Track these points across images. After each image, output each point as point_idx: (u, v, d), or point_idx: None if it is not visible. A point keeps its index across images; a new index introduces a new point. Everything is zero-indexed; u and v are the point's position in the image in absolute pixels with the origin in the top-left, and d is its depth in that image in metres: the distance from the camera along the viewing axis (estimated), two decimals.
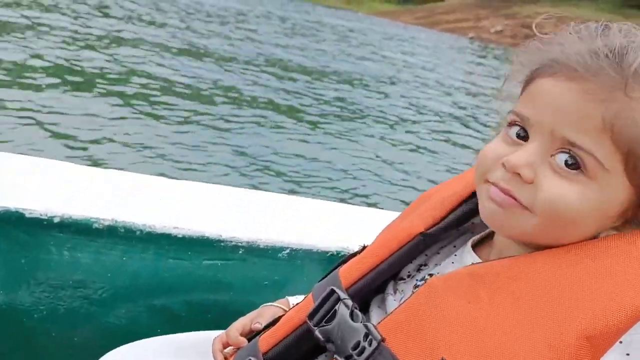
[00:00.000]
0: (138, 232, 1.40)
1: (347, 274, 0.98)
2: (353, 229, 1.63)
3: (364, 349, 0.84)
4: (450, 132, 9.93)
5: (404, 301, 0.87)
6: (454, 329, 0.79)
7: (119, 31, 12.40)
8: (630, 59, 0.77)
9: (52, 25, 11.18)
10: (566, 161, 0.78)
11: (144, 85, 8.37)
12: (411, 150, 8.24)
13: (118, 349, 1.31)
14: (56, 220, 1.35)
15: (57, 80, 7.64)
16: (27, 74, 7.57)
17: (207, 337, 1.34)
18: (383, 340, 0.84)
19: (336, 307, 0.91)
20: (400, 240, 0.98)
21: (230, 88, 9.50)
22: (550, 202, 0.78)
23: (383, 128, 9.20)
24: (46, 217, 1.35)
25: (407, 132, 9.32)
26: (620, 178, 0.79)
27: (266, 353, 1.00)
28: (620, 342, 0.75)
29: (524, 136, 0.83)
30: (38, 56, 8.68)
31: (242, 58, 12.53)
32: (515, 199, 0.81)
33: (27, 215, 1.34)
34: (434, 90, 14.33)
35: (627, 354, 0.75)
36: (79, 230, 1.37)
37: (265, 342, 1.02)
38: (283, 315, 1.08)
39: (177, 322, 1.46)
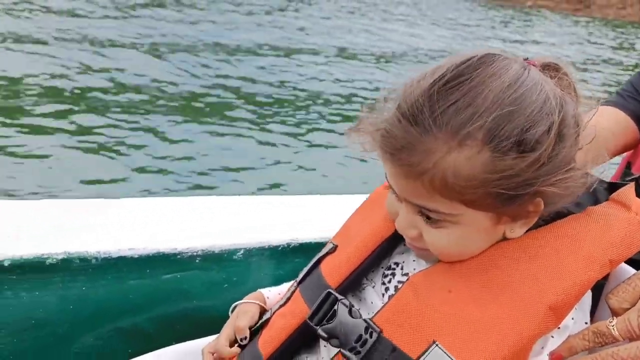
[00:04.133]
0: (94, 261, 1.35)
1: (333, 275, 1.05)
2: (298, 219, 1.64)
3: (366, 340, 0.91)
4: None
5: (393, 296, 0.95)
6: (440, 315, 0.89)
7: None
8: (423, 117, 0.81)
9: None
10: (427, 217, 0.88)
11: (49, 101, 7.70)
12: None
13: None
14: (6, 263, 1.28)
15: None
16: None
17: (182, 349, 1.33)
18: (381, 331, 0.91)
19: (335, 307, 0.96)
20: (376, 241, 1.05)
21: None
22: (433, 247, 0.90)
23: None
24: None
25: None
26: (474, 213, 0.86)
27: (269, 356, 1.06)
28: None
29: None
30: None
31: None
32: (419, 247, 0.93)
33: None
34: None
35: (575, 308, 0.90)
36: (33, 269, 1.31)
37: (265, 347, 1.08)
38: (266, 314, 1.17)
39: (147, 340, 1.42)
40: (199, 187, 5.31)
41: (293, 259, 1.53)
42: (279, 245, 1.52)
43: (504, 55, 0.87)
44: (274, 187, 5.51)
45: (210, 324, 1.35)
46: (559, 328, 0.88)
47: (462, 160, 0.80)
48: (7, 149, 5.60)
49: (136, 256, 1.39)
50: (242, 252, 1.48)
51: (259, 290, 1.25)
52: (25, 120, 6.61)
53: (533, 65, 0.88)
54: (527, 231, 0.92)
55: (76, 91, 8.05)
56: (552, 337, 0.89)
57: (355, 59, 12.48)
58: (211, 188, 5.29)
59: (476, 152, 0.80)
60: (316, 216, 1.64)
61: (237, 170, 5.82)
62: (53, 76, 8.36)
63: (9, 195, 4.42)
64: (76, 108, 7.31)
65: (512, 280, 0.87)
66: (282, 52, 12.02)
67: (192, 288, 1.46)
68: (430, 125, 0.80)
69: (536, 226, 0.92)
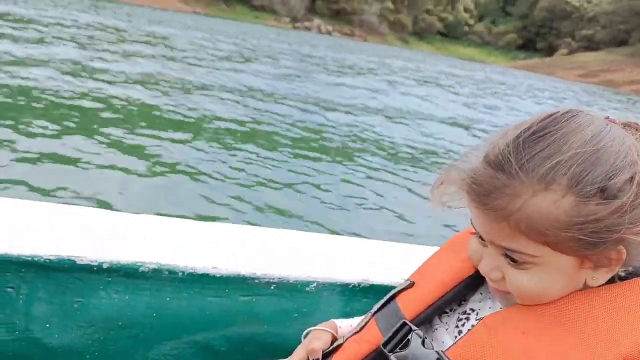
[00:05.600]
0: (180, 274, 1.45)
1: (409, 308, 1.10)
2: (370, 261, 1.70)
3: None
4: None
5: (466, 333, 0.98)
6: (512, 354, 0.91)
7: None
8: (510, 164, 0.86)
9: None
10: (512, 259, 0.91)
11: (159, 126, 8.58)
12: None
13: None
14: (105, 266, 1.39)
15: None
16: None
17: None
18: None
19: (409, 336, 1.02)
20: (454, 281, 1.10)
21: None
22: (515, 289, 0.93)
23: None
24: (96, 264, 1.39)
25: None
26: (557, 256, 0.89)
27: None
28: None
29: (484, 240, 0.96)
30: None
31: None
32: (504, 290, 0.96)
33: (79, 262, 1.38)
34: None
35: None
36: (127, 275, 1.41)
37: None
38: (338, 340, 1.21)
39: (218, 356, 1.51)
40: (283, 217, 5.88)
41: (362, 299, 1.59)
42: (350, 284, 1.59)
43: (586, 111, 0.91)
44: (351, 228, 6.04)
45: (278, 349, 1.42)
46: None
47: (548, 203, 0.84)
48: (123, 167, 6.34)
49: (218, 275, 1.48)
50: (314, 284, 1.56)
51: (331, 319, 1.31)
52: (138, 143, 7.52)
53: (614, 122, 0.92)
54: (607, 283, 0.93)
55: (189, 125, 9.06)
56: None
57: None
58: (292, 220, 5.89)
59: (561, 196, 0.84)
60: (388, 261, 1.70)
61: (319, 209, 6.48)
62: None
63: (111, 208, 4.82)
64: (183, 136, 8.07)
65: (587, 328, 0.89)
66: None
67: (265, 313, 1.53)
68: (517, 171, 0.85)
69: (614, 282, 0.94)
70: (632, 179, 0.85)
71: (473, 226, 0.96)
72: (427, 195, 1.00)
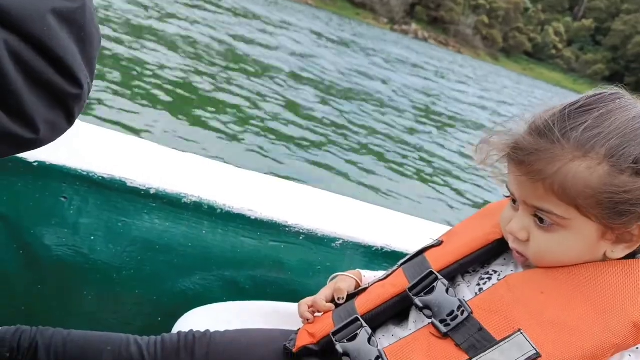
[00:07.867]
0: (219, 210, 1.53)
1: (436, 262, 1.15)
2: (396, 230, 1.75)
3: (456, 316, 1.01)
4: None
5: (488, 288, 1.04)
6: (528, 309, 0.95)
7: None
8: (554, 131, 0.91)
9: None
10: (540, 220, 0.96)
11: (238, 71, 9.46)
12: None
13: (195, 310, 1.44)
14: (152, 191, 1.49)
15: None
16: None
17: (270, 306, 1.48)
18: (472, 312, 1.00)
19: (434, 284, 1.08)
20: (482, 242, 1.14)
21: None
22: (537, 249, 0.99)
23: None
24: (144, 188, 1.49)
25: None
26: (583, 221, 0.93)
27: (364, 315, 1.16)
28: None
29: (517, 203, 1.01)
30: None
31: None
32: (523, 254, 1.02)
33: (129, 184, 1.48)
34: None
35: None
36: (170, 203, 1.51)
37: (362, 306, 1.18)
38: (361, 286, 1.28)
39: (242, 293, 1.59)
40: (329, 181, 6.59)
41: (382, 262, 1.65)
42: (373, 247, 1.65)
43: (631, 95, 0.97)
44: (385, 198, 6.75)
45: (299, 295, 1.49)
46: (637, 348, 0.92)
47: (583, 169, 0.89)
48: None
49: (253, 218, 1.56)
50: (340, 242, 1.62)
51: (357, 269, 1.37)
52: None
53: None
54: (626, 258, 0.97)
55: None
56: (630, 355, 0.92)
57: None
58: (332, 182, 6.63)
59: (596, 164, 0.89)
60: (413, 233, 1.75)
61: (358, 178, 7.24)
62: None
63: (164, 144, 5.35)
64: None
65: (602, 292, 0.93)
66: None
67: (291, 260, 1.61)
68: (559, 138, 0.91)
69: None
70: None
71: (508, 189, 1.01)
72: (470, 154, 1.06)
